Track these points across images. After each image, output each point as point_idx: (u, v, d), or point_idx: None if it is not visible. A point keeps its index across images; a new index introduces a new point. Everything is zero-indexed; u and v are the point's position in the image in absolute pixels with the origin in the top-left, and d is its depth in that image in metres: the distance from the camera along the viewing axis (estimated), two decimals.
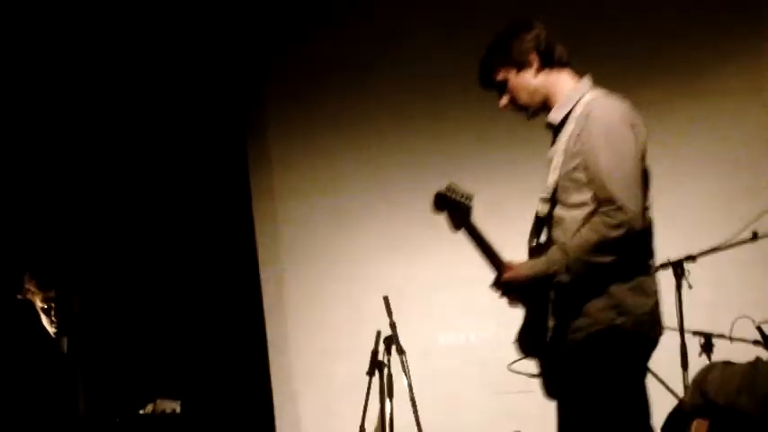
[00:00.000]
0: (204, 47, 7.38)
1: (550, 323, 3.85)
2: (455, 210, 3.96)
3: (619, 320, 3.71)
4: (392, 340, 6.26)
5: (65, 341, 5.44)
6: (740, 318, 5.61)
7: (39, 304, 5.44)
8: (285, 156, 7.72)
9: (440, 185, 4.04)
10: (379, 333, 6.35)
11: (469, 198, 3.95)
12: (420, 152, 7.30)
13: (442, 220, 7.07)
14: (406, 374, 6.18)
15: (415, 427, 6.15)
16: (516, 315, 6.69)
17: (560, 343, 3.82)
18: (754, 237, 5.65)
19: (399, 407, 6.22)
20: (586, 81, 3.98)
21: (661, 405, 5.26)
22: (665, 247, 5.90)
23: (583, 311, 3.75)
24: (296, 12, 7.67)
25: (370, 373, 6.34)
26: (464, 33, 6.99)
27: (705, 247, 5.81)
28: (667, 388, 5.85)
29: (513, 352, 6.70)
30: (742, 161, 6.74)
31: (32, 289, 5.45)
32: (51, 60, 6.98)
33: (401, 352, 6.21)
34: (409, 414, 6.16)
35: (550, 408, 6.46)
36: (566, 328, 3.80)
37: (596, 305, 3.73)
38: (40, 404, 5.22)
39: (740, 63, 6.84)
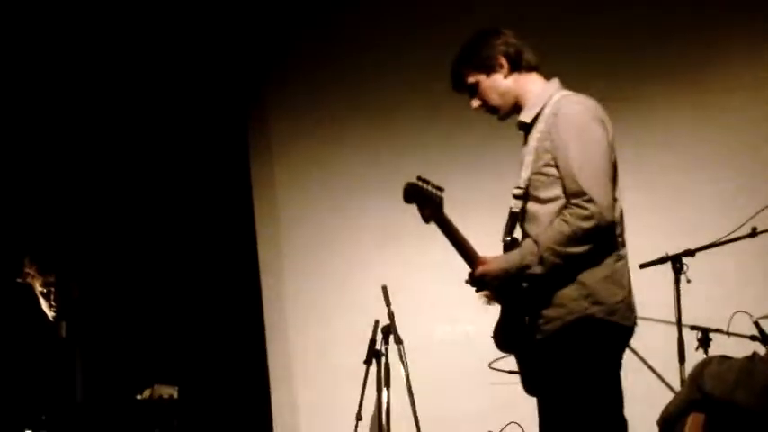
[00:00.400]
0: (207, 39, 7.38)
1: (526, 317, 3.91)
2: (426, 201, 3.99)
3: (592, 309, 3.79)
4: (390, 330, 6.27)
5: (64, 325, 5.45)
6: (738, 312, 5.63)
7: (38, 288, 5.45)
8: (286, 148, 7.73)
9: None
10: (377, 322, 6.37)
11: (440, 190, 4.00)
12: (420, 145, 7.30)
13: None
14: (403, 364, 6.19)
15: (412, 417, 6.17)
16: None
17: (535, 335, 3.88)
18: (753, 232, 5.66)
19: (396, 396, 6.24)
20: (555, 82, 4.09)
21: (658, 399, 5.29)
22: (663, 242, 5.97)
23: (556, 302, 3.83)
24: (298, 3, 7.65)
25: (368, 362, 6.36)
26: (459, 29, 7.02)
27: (704, 242, 5.82)
28: (664, 382, 5.87)
29: None
30: (742, 157, 6.74)
31: (32, 273, 5.46)
32: (54, 53, 6.99)
33: (399, 341, 6.23)
34: (406, 403, 6.17)
35: None
36: (540, 318, 3.86)
37: (569, 295, 3.81)
38: (38, 388, 5.23)
39: (744, 59, 6.83)
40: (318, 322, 7.41)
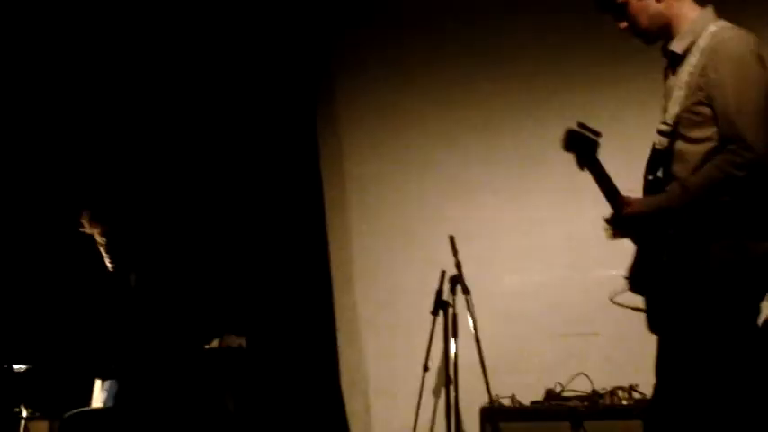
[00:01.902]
0: (275, 17, 7.36)
1: (665, 259, 3.73)
2: (584, 146, 3.82)
3: (738, 261, 3.61)
4: (457, 280, 6.26)
5: (134, 276, 5.49)
6: None
7: (98, 239, 5.50)
8: (351, 101, 7.65)
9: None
10: (443, 273, 6.36)
11: (598, 134, 3.82)
12: (485, 102, 7.25)
13: (509, 162, 7.11)
14: (470, 314, 6.18)
15: (480, 367, 6.16)
16: (582, 258, 6.71)
17: (674, 280, 3.71)
18: None
19: (463, 346, 6.23)
20: (710, 10, 3.83)
21: None
22: None
23: (701, 251, 3.65)
24: None
25: (435, 313, 6.36)
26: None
27: None
28: None
29: (578, 295, 6.74)
30: None
31: (87, 224, 5.50)
32: (134, 34, 7.08)
33: (466, 292, 6.21)
34: (473, 354, 6.16)
35: (614, 350, 6.49)
36: (682, 266, 3.69)
37: (716, 246, 3.62)
38: (107, 338, 5.29)
39: None
40: (385, 273, 7.39)
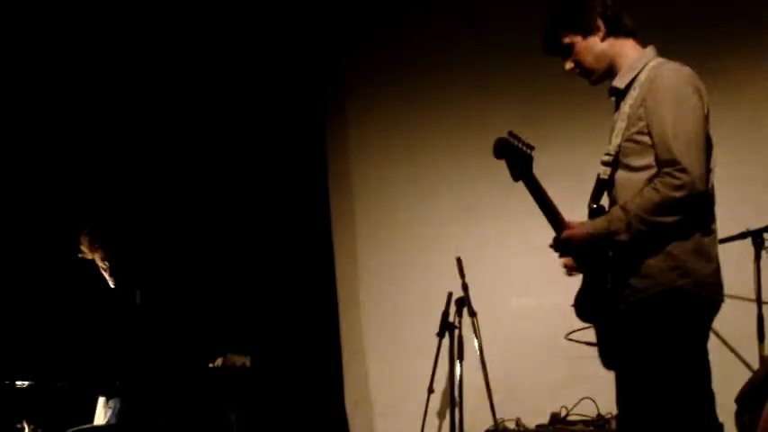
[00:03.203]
0: (286, 26, 7.37)
1: (609, 285, 3.83)
2: (515, 157, 3.90)
3: (681, 282, 3.70)
4: (464, 302, 6.25)
5: (138, 293, 5.48)
6: None
7: (98, 262, 5.51)
8: (360, 121, 7.70)
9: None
10: (450, 294, 6.34)
11: (530, 147, 3.91)
12: (496, 119, 7.22)
13: (516, 185, 7.08)
14: (477, 336, 6.16)
15: (485, 390, 6.13)
16: None
17: (619, 305, 3.80)
18: None
19: (469, 369, 6.21)
20: (651, 49, 3.99)
21: (736, 377, 5.20)
22: (744, 217, 5.86)
23: (643, 272, 3.75)
24: None
25: (441, 335, 6.34)
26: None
27: None
28: (742, 360, 5.78)
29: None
30: None
31: (86, 249, 5.52)
32: (139, 37, 7.08)
33: (472, 314, 6.19)
34: (479, 376, 6.14)
35: None
36: (625, 289, 3.78)
37: (657, 266, 3.72)
38: (111, 355, 5.27)
39: None
40: (392, 294, 7.39)
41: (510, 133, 3.92)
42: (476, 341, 6.16)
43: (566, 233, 3.90)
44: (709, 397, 3.77)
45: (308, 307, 7.29)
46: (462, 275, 6.30)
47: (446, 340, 6.30)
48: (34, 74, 6.86)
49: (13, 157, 6.82)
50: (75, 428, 5.34)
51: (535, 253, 6.94)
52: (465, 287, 6.27)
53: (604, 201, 3.97)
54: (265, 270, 7.28)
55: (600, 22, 3.96)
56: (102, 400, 5.59)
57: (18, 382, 5.22)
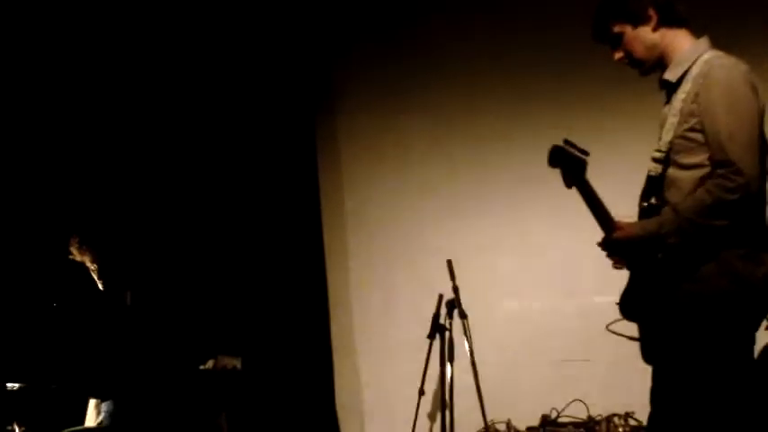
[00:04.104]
0: (277, 30, 7.37)
1: (657, 286, 3.76)
2: (570, 165, 3.81)
3: (731, 288, 3.62)
4: (454, 304, 6.24)
5: (129, 295, 5.48)
6: None
7: (88, 264, 5.50)
8: (351, 123, 7.68)
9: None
10: (441, 296, 6.34)
11: (585, 153, 3.81)
12: (485, 119, 7.24)
13: (507, 186, 7.10)
14: (467, 339, 6.16)
15: (475, 392, 6.13)
16: (579, 284, 6.69)
17: (666, 307, 3.73)
18: None
19: (459, 371, 6.21)
20: (705, 41, 3.88)
21: None
22: None
23: (692, 275, 3.67)
24: None
25: (431, 337, 6.33)
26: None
27: None
28: None
29: (574, 321, 6.73)
30: None
31: (76, 252, 5.51)
32: (127, 38, 7.07)
33: (463, 316, 6.19)
34: (469, 378, 6.14)
35: (610, 377, 6.47)
36: (674, 292, 3.71)
37: (707, 269, 3.64)
38: (102, 358, 5.27)
39: None
40: (382, 296, 7.39)
41: (566, 141, 3.83)
42: (466, 343, 6.15)
43: (616, 234, 3.80)
44: (749, 402, 3.71)
45: (298, 309, 7.28)
46: (453, 277, 6.29)
47: (437, 342, 6.29)
48: (26, 75, 6.85)
49: (4, 160, 6.81)
50: (67, 430, 5.34)
51: (526, 255, 7.04)
52: (455, 289, 6.26)
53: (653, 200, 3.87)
54: (256, 272, 7.27)
55: (652, 11, 3.84)
56: (92, 402, 5.59)
57: (9, 384, 5.22)
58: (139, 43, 7.09)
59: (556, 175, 3.90)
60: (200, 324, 5.87)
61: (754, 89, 3.67)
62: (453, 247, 6.73)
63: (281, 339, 7.16)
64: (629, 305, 3.95)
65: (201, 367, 5.75)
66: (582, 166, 3.80)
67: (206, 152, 7.29)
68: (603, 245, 3.88)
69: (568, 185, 3.84)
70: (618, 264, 4.01)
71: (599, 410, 6.28)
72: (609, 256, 3.95)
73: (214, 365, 5.77)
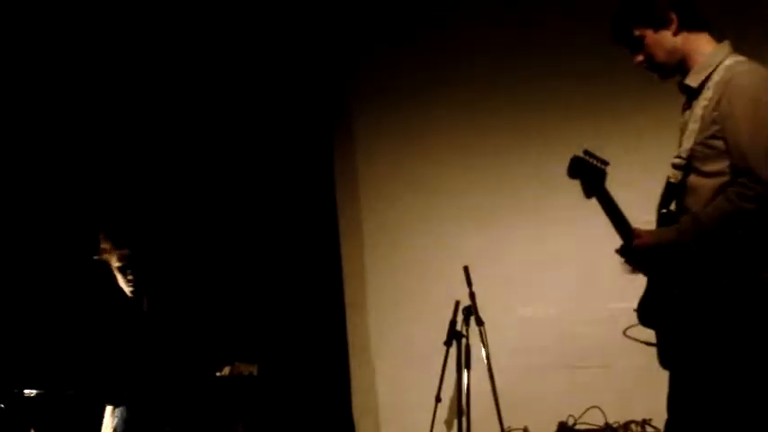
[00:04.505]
0: (292, 36, 7.37)
1: (675, 292, 3.74)
2: (590, 175, 3.83)
3: (751, 298, 3.59)
4: (471, 310, 6.23)
5: (146, 300, 5.48)
6: None
7: (114, 264, 5.47)
8: (367, 128, 7.66)
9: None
10: (457, 303, 6.33)
11: (605, 163, 3.83)
12: (504, 127, 7.23)
13: (524, 193, 7.08)
14: (484, 345, 6.15)
15: (492, 399, 6.12)
16: (596, 291, 6.67)
17: (685, 314, 3.71)
18: None
19: (476, 378, 6.20)
20: (726, 45, 3.85)
21: None
22: None
23: (713, 285, 3.64)
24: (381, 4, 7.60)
25: (448, 343, 6.32)
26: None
27: None
28: None
29: (591, 327, 6.71)
30: None
31: (108, 248, 5.47)
32: (154, 46, 7.14)
33: (480, 323, 6.18)
34: (486, 385, 6.13)
35: (628, 384, 6.44)
36: (693, 300, 3.68)
37: (727, 279, 3.62)
38: (119, 363, 5.28)
39: None
40: (399, 303, 7.38)
41: (585, 151, 3.85)
42: (483, 350, 6.15)
43: (636, 242, 3.80)
44: None
45: (315, 316, 7.28)
46: (470, 284, 6.29)
47: (453, 349, 6.28)
48: (46, 77, 6.88)
49: (18, 163, 6.83)
50: None
51: (543, 262, 7.02)
52: (472, 296, 6.25)
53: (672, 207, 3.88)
54: (273, 279, 7.27)
55: (673, 15, 3.80)
56: (109, 408, 5.59)
57: (26, 391, 5.24)
58: (166, 57, 7.14)
59: (573, 182, 3.89)
60: (217, 331, 5.88)
61: None
62: (470, 254, 6.72)
63: (297, 347, 7.16)
64: (647, 312, 3.93)
65: (218, 374, 5.76)
66: (602, 175, 3.81)
67: (224, 159, 7.30)
68: (622, 253, 3.87)
69: (588, 196, 3.86)
70: (632, 269, 3.98)
71: (616, 417, 6.27)
72: (628, 263, 3.93)
73: (231, 372, 5.77)
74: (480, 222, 7.17)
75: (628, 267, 3.98)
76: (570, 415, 6.41)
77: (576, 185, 3.88)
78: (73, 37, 6.87)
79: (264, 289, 7.24)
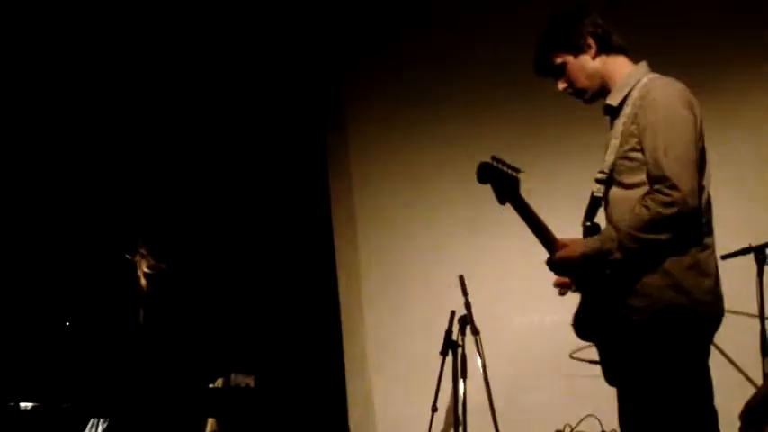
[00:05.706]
0: (286, 38, 7.39)
1: (606, 304, 3.82)
2: (501, 181, 3.93)
3: (678, 299, 3.69)
4: (467, 320, 6.24)
5: (142, 312, 5.49)
6: None
7: (143, 269, 5.50)
8: (361, 137, 7.69)
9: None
10: (453, 313, 6.33)
11: (516, 171, 3.94)
12: (499, 134, 7.23)
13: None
14: (480, 355, 6.15)
15: (488, 408, 6.12)
16: None
17: (618, 324, 3.79)
18: None
19: (472, 387, 6.20)
20: (643, 65, 4.00)
21: (739, 394, 5.20)
22: (746, 233, 5.86)
23: (640, 291, 3.74)
24: (378, 3, 7.62)
25: (444, 353, 6.33)
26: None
27: None
28: (745, 376, 5.77)
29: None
30: None
31: (144, 252, 5.51)
32: (154, 51, 7.16)
33: (476, 332, 6.19)
34: (482, 395, 6.13)
35: None
36: (623, 307, 3.77)
37: (654, 284, 3.72)
38: (112, 374, 5.28)
39: None
40: (394, 313, 7.38)
41: (493, 158, 3.95)
42: (479, 359, 6.15)
43: (559, 254, 3.91)
44: (712, 414, 3.76)
45: (310, 326, 7.28)
46: (465, 293, 6.30)
47: (449, 358, 6.29)
48: (57, 83, 6.91)
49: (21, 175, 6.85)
50: None
51: (538, 270, 6.92)
52: (468, 305, 6.26)
53: (600, 219, 3.97)
54: (268, 290, 7.27)
55: (591, 41, 3.97)
56: (101, 421, 5.59)
57: (22, 404, 5.23)
58: (166, 57, 7.15)
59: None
60: (212, 343, 5.88)
61: (691, 106, 3.78)
62: (465, 263, 6.72)
63: (293, 357, 7.16)
64: (582, 325, 4.03)
65: (211, 386, 5.76)
66: (514, 182, 3.94)
67: (216, 168, 7.31)
68: (549, 264, 3.98)
69: (501, 202, 3.98)
70: (563, 290, 4.16)
71: (612, 426, 6.25)
72: (556, 275, 4.09)
73: (225, 384, 5.78)
74: (476, 231, 7.17)
75: (558, 287, 4.18)
76: (567, 424, 6.40)
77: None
78: (72, 37, 6.88)
79: (261, 301, 7.24)
